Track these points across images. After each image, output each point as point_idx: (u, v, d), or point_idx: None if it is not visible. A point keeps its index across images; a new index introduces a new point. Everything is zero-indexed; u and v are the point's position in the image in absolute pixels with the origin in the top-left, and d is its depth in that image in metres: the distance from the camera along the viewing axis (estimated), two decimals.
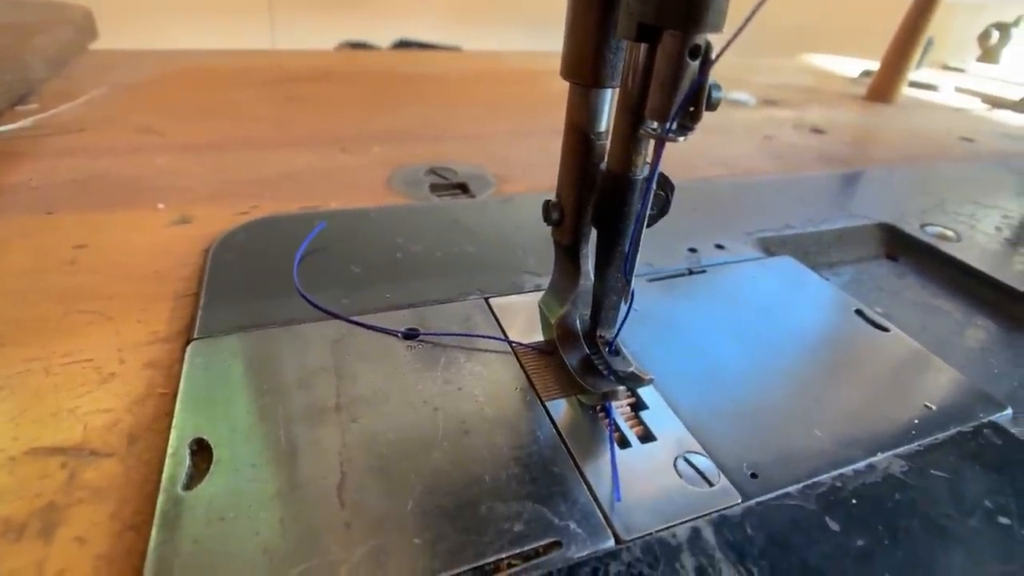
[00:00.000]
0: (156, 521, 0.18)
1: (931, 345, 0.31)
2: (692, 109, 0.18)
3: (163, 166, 0.45)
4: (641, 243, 0.22)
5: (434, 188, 0.45)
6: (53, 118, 0.51)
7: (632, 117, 0.20)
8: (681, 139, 0.19)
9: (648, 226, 0.22)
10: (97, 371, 0.25)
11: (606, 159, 0.23)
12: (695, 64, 0.17)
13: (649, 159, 0.21)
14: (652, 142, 0.20)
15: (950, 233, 0.45)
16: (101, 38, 0.77)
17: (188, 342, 0.26)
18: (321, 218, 0.36)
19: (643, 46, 0.18)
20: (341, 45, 1.21)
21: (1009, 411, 0.27)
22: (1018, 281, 0.38)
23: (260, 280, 0.30)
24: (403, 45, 1.19)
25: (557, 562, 0.18)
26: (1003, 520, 0.22)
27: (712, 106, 0.18)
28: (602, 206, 0.23)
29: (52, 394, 0.24)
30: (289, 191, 0.42)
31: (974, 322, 0.37)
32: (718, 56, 0.17)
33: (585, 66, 0.21)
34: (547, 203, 0.25)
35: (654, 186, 0.20)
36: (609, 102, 0.22)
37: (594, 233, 0.24)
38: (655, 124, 0.19)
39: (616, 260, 0.23)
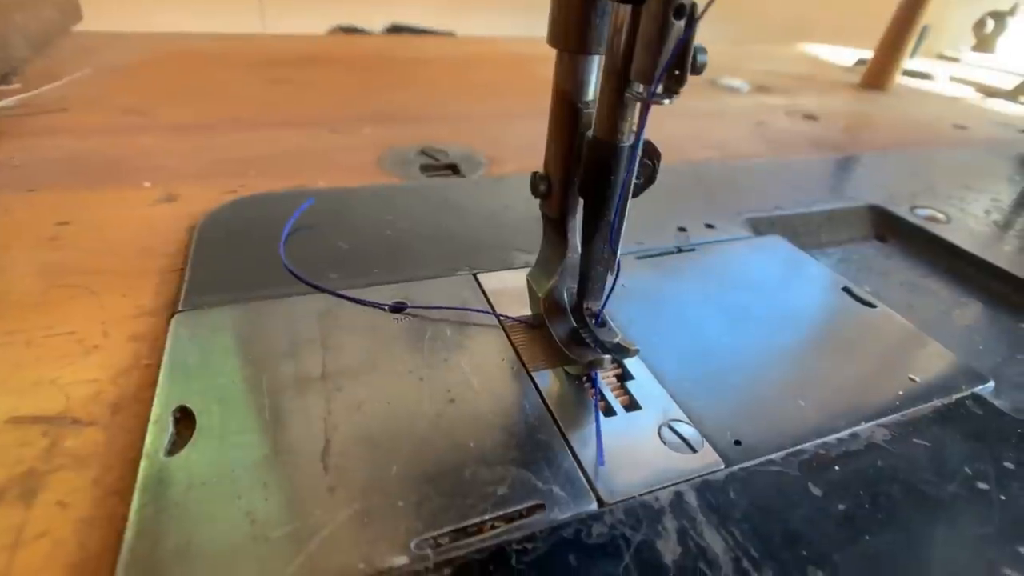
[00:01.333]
0: (138, 485, 0.18)
1: (918, 322, 0.31)
2: (678, 73, 0.18)
3: (148, 146, 0.44)
4: (631, 222, 0.22)
5: (424, 169, 0.45)
6: (35, 98, 0.51)
7: (618, 81, 0.20)
8: (666, 102, 0.19)
9: (634, 195, 0.22)
10: (80, 343, 0.25)
11: (593, 128, 0.22)
12: (680, 24, 0.17)
13: (635, 127, 0.21)
14: (638, 109, 0.20)
15: (940, 216, 0.45)
16: (85, 20, 0.76)
17: (173, 315, 0.26)
18: (309, 196, 0.36)
19: (628, 8, 0.18)
20: (332, 30, 1.20)
21: (991, 384, 0.27)
22: (1005, 261, 0.39)
23: (246, 256, 0.30)
24: (396, 30, 1.18)
25: (540, 524, 0.18)
26: (981, 486, 0.22)
27: (697, 69, 0.18)
28: (588, 175, 0.23)
29: (33, 365, 0.23)
30: (277, 171, 0.42)
31: (961, 301, 0.37)
32: (702, 14, 0.17)
33: (571, 32, 0.21)
34: (535, 175, 0.25)
35: (639, 152, 0.20)
36: (596, 71, 0.22)
37: (581, 206, 0.24)
38: (640, 87, 0.19)
39: (602, 230, 0.23)
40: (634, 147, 0.20)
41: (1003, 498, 0.22)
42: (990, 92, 0.94)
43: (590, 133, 0.22)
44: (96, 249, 0.31)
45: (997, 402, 0.26)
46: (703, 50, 0.18)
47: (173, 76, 0.63)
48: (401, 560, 0.17)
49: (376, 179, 0.43)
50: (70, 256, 0.30)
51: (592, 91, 0.22)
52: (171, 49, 0.71)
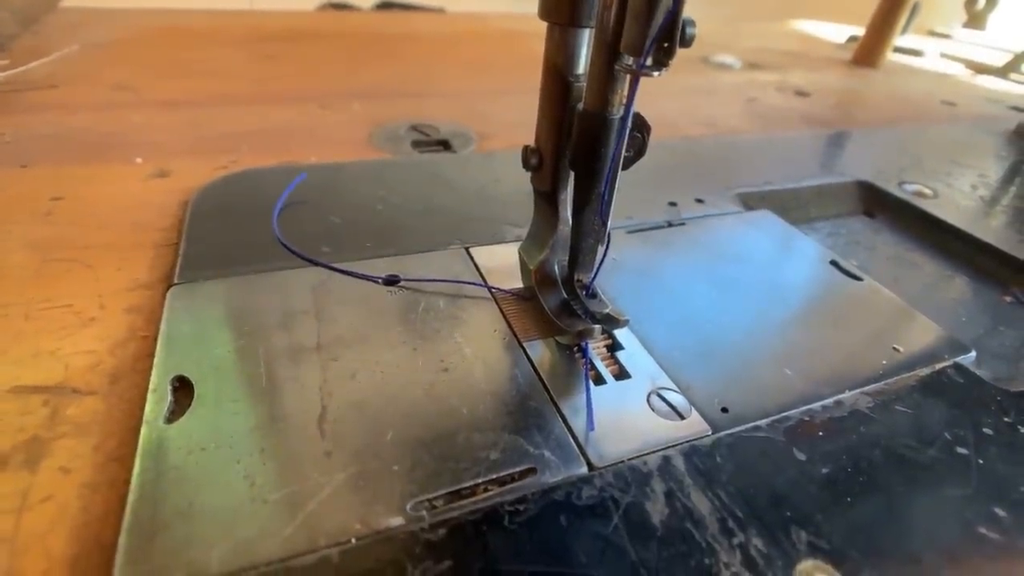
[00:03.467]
0: (139, 451, 0.18)
1: (903, 295, 0.32)
2: (667, 45, 0.18)
3: (139, 122, 0.44)
4: (622, 196, 0.22)
5: (416, 145, 0.45)
6: (24, 74, 0.50)
7: (608, 54, 0.20)
8: (656, 74, 0.19)
9: (624, 168, 0.23)
10: (77, 316, 0.25)
11: (583, 101, 0.23)
12: None
13: (625, 99, 0.21)
14: (628, 81, 0.20)
15: (927, 191, 0.46)
16: None
17: (169, 287, 0.26)
18: (302, 172, 0.36)
19: None
20: (322, 6, 1.18)
21: (973, 353, 0.28)
22: (990, 236, 0.39)
23: (240, 230, 0.30)
24: (385, 6, 1.16)
25: (531, 487, 0.19)
26: (961, 450, 0.23)
27: (686, 42, 0.19)
28: (579, 147, 0.23)
29: (32, 337, 0.24)
30: (268, 147, 0.42)
31: (946, 274, 0.38)
32: None
33: (562, 5, 0.21)
34: (526, 149, 0.25)
35: (629, 124, 0.21)
36: (587, 44, 0.22)
37: (572, 179, 0.25)
38: (630, 59, 0.19)
39: (593, 202, 0.23)
40: (624, 119, 0.21)
41: (981, 462, 0.22)
42: (980, 69, 0.94)
43: (581, 106, 0.23)
44: (90, 224, 0.31)
45: (978, 371, 0.27)
46: (692, 22, 0.18)
47: (162, 52, 0.62)
48: (397, 521, 0.17)
49: (367, 155, 0.43)
50: (65, 231, 0.31)
51: (583, 64, 0.23)
52: (159, 25, 0.70)
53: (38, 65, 0.52)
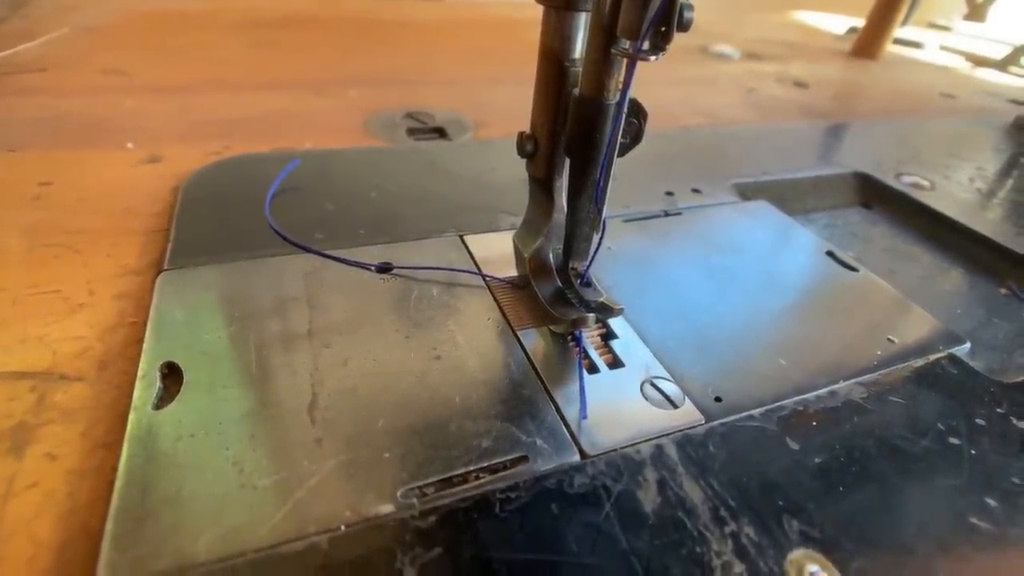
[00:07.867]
0: (127, 437, 0.18)
1: (899, 286, 0.32)
2: (664, 29, 0.18)
3: (130, 107, 0.44)
4: (618, 185, 0.22)
5: (411, 132, 0.45)
6: (12, 57, 0.50)
7: (604, 38, 0.20)
8: (653, 58, 0.18)
9: (621, 155, 0.22)
10: (65, 302, 0.25)
11: (579, 86, 0.22)
12: None
13: (621, 84, 0.21)
14: (624, 66, 0.20)
15: (925, 183, 0.45)
16: None
17: (159, 273, 0.26)
18: (295, 158, 0.36)
19: None
20: None
21: (968, 345, 0.28)
22: (987, 228, 0.39)
23: (232, 216, 0.30)
24: None
25: (523, 475, 0.19)
26: (953, 440, 0.22)
27: (684, 26, 0.18)
28: (574, 133, 0.23)
29: (19, 323, 0.23)
30: (261, 133, 0.42)
31: (942, 266, 0.38)
32: None
33: None
34: (522, 135, 0.25)
35: (625, 109, 0.20)
36: (583, 29, 0.22)
37: (568, 166, 0.24)
38: (627, 43, 0.19)
39: (588, 189, 0.23)
40: (620, 105, 0.20)
41: (973, 452, 0.22)
42: (980, 62, 0.93)
43: (576, 91, 0.22)
44: (80, 209, 0.31)
45: (972, 363, 0.27)
46: (690, 6, 0.18)
47: (153, 37, 0.61)
48: (387, 508, 0.17)
49: (362, 142, 0.42)
50: (54, 216, 0.30)
51: (579, 49, 0.22)
52: (151, 9, 0.70)
53: (27, 48, 0.52)
